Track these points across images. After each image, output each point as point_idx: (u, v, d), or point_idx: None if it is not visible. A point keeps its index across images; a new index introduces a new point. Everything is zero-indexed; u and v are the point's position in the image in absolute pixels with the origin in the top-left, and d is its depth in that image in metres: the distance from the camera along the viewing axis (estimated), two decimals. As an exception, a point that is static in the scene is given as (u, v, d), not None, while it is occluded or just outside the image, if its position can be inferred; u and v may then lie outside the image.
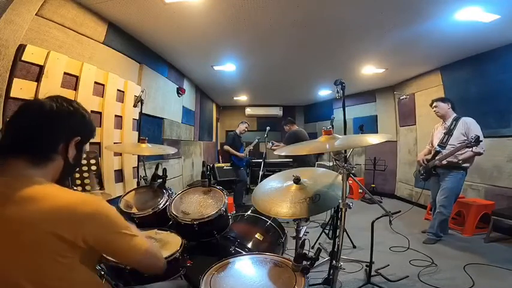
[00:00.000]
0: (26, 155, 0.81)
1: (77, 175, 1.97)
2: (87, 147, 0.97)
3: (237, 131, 5.08)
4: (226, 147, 4.97)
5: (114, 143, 2.76)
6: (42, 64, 1.95)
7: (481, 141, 2.82)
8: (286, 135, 4.63)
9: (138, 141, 2.48)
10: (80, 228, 0.75)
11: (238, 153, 4.90)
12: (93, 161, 2.05)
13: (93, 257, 0.87)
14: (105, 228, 0.81)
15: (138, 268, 1.00)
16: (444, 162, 3.11)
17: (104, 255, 1.09)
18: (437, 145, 3.21)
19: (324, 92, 6.70)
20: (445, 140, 3.17)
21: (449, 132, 3.16)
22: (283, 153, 1.89)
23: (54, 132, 0.85)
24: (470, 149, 2.90)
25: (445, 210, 3.12)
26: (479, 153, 2.98)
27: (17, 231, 0.72)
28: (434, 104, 3.33)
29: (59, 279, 0.75)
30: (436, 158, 3.18)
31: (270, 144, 4.85)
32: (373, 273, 2.31)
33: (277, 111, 8.56)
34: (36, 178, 0.79)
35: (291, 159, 5.13)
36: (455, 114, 3.23)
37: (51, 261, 0.73)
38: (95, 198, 0.83)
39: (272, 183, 1.77)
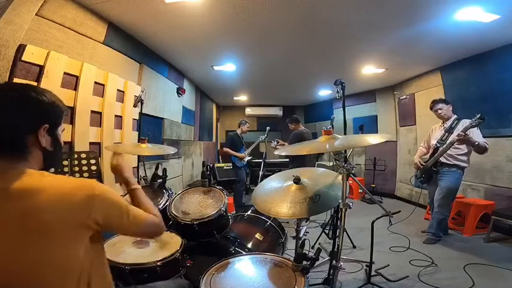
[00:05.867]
0: (2, 153, 0.79)
1: (77, 175, 1.97)
2: (62, 127, 0.92)
3: (238, 131, 5.04)
4: (225, 149, 4.93)
5: (114, 143, 2.76)
6: (42, 64, 1.95)
7: (485, 117, 2.70)
8: (291, 135, 4.54)
9: (138, 141, 2.48)
10: (87, 209, 0.77)
11: (237, 154, 4.87)
12: (93, 161, 2.05)
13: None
14: (108, 205, 0.83)
15: (142, 236, 1.25)
16: (444, 160, 3.10)
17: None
18: (437, 142, 3.20)
19: (324, 92, 6.70)
20: (444, 137, 3.16)
21: (450, 130, 3.14)
22: (283, 153, 1.89)
23: (9, 128, 0.78)
24: (473, 144, 2.84)
25: (442, 210, 3.12)
26: (485, 148, 2.87)
27: (22, 224, 0.71)
28: (439, 106, 3.24)
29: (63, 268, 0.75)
30: (436, 154, 3.14)
31: (275, 142, 4.81)
32: (373, 273, 2.31)
33: (277, 111, 8.55)
34: (26, 170, 0.78)
35: (288, 160, 5.07)
36: (455, 115, 3.22)
37: (61, 250, 0.74)
38: (89, 181, 0.83)
39: (272, 183, 1.77)
